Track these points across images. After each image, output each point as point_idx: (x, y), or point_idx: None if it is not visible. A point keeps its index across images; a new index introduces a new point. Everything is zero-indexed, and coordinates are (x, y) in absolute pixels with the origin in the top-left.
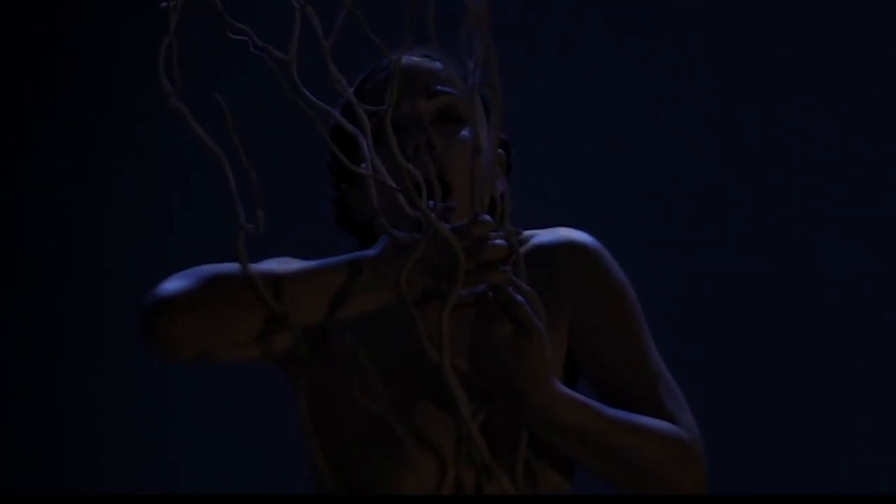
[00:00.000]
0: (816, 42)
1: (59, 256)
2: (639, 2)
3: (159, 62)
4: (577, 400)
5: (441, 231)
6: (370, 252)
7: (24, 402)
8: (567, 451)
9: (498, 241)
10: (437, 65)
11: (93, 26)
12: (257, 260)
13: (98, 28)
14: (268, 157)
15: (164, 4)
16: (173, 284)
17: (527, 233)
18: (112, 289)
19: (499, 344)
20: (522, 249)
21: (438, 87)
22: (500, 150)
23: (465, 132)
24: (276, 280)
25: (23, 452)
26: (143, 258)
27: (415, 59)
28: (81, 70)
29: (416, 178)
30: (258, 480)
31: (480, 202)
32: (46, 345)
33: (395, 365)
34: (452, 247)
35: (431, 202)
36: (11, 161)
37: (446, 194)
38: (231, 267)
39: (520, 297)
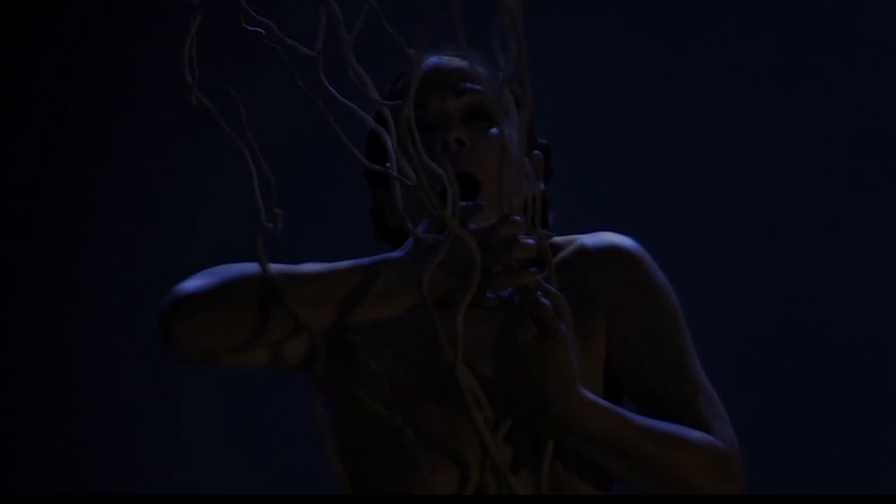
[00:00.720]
0: None
1: (67, 255)
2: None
3: (182, 58)
4: (604, 407)
5: (454, 228)
6: (395, 254)
7: (25, 403)
8: (597, 460)
9: (527, 241)
10: (467, 62)
11: (107, 24)
12: (279, 260)
13: (112, 25)
14: (291, 155)
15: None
16: (192, 283)
17: (569, 237)
18: (121, 287)
19: (522, 348)
20: (564, 253)
21: (468, 85)
22: (536, 152)
23: (495, 129)
24: (296, 280)
25: (22, 452)
26: (155, 255)
27: (444, 56)
28: (96, 68)
29: (440, 176)
30: (258, 480)
31: (509, 201)
32: (52, 345)
33: (419, 370)
34: (469, 245)
35: (462, 202)
36: (24, 159)
37: (476, 192)
38: (251, 266)
39: (546, 301)
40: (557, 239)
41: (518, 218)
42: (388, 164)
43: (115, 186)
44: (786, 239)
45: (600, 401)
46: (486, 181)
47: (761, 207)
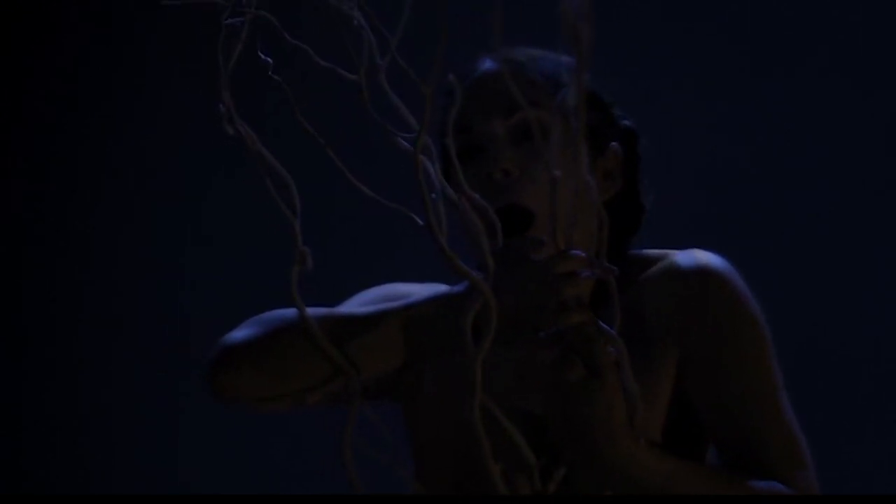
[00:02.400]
0: None
1: (69, 259)
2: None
3: (219, 84)
4: (656, 456)
5: (465, 274)
6: (443, 292)
7: (23, 403)
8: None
9: (583, 276)
10: (521, 71)
11: (113, 31)
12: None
13: (120, 37)
14: (323, 179)
15: (225, 21)
16: (237, 334)
17: (661, 252)
18: (122, 293)
19: (567, 390)
20: (651, 271)
21: (518, 101)
22: (613, 145)
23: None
24: (341, 326)
25: (21, 452)
26: (158, 261)
27: (492, 68)
28: (107, 76)
29: (487, 210)
30: (258, 480)
31: (563, 234)
32: (53, 346)
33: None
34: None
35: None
36: (26, 165)
37: (529, 224)
38: (296, 313)
39: (596, 337)
40: (649, 252)
41: (578, 252)
42: (433, 195)
43: (118, 187)
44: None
45: (653, 448)
46: (540, 211)
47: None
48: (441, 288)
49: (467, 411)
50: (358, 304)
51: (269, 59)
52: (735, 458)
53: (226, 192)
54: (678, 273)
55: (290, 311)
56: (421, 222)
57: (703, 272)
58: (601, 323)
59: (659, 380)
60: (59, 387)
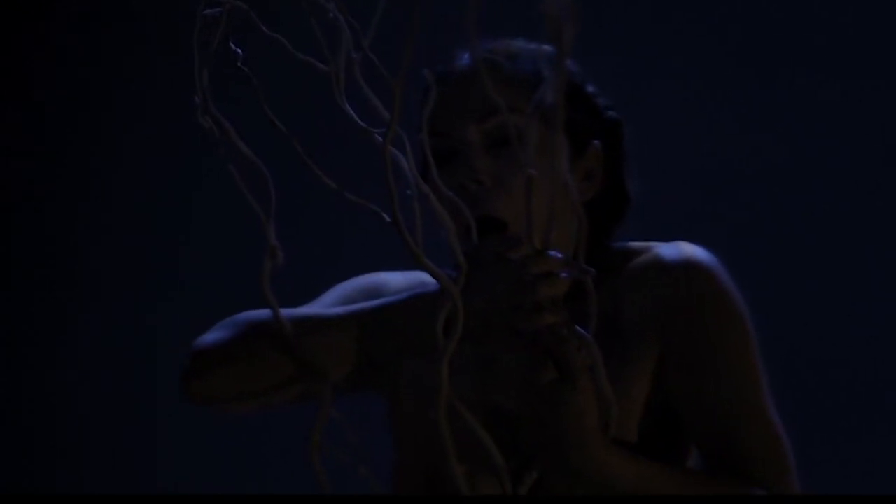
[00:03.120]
0: None
1: (57, 256)
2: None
3: (196, 79)
4: (627, 461)
5: (433, 273)
6: (417, 293)
7: (19, 402)
8: None
9: (559, 278)
10: (498, 71)
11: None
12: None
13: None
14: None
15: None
16: (207, 339)
17: (646, 245)
18: (106, 291)
19: (538, 391)
20: (635, 263)
21: (492, 105)
22: (595, 142)
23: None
24: (311, 328)
25: (18, 452)
26: (143, 262)
27: (469, 67)
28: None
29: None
30: (258, 480)
31: (540, 237)
32: (43, 345)
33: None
34: (455, 292)
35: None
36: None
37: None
38: (267, 315)
39: (568, 339)
40: (634, 245)
41: (554, 253)
42: (408, 191)
43: (110, 185)
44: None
45: (625, 452)
46: (515, 220)
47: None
48: (420, 278)
49: (434, 411)
50: (336, 297)
51: (238, 51)
52: (715, 461)
53: (214, 192)
54: (660, 266)
55: (261, 313)
56: (388, 219)
57: (686, 265)
58: (576, 325)
59: (636, 380)
60: (43, 387)
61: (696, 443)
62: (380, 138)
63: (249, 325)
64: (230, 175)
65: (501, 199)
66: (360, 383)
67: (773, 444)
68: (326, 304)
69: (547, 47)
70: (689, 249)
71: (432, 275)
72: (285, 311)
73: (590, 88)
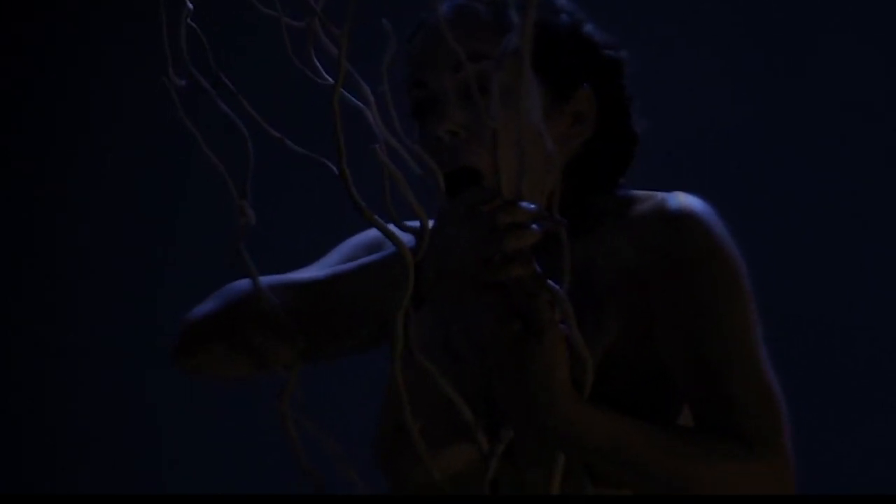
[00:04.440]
0: None
1: (48, 251)
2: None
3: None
4: (601, 417)
5: (383, 230)
6: (380, 255)
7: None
8: (605, 472)
9: (529, 230)
10: (474, 18)
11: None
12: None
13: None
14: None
15: None
16: (197, 312)
17: (650, 193)
18: (99, 281)
19: (503, 348)
20: (636, 210)
21: (468, 52)
22: (585, 86)
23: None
24: (297, 291)
25: (18, 451)
26: (133, 253)
27: (447, 13)
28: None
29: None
30: (258, 479)
31: (511, 188)
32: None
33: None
34: (405, 251)
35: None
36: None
37: (477, 185)
38: (250, 284)
39: (537, 292)
40: (637, 194)
41: (526, 205)
42: (377, 145)
43: (96, 183)
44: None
45: (598, 410)
46: (491, 171)
47: None
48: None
49: (393, 370)
50: (340, 256)
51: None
52: (706, 420)
53: (201, 181)
54: (651, 217)
55: (246, 282)
56: (336, 170)
57: (676, 217)
58: (550, 278)
59: (616, 336)
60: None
61: (688, 402)
62: (357, 101)
63: (236, 294)
64: (193, 136)
65: (475, 149)
66: (370, 341)
67: (766, 403)
68: (331, 263)
69: None
70: (681, 201)
71: (381, 230)
72: (269, 278)
73: (587, 28)
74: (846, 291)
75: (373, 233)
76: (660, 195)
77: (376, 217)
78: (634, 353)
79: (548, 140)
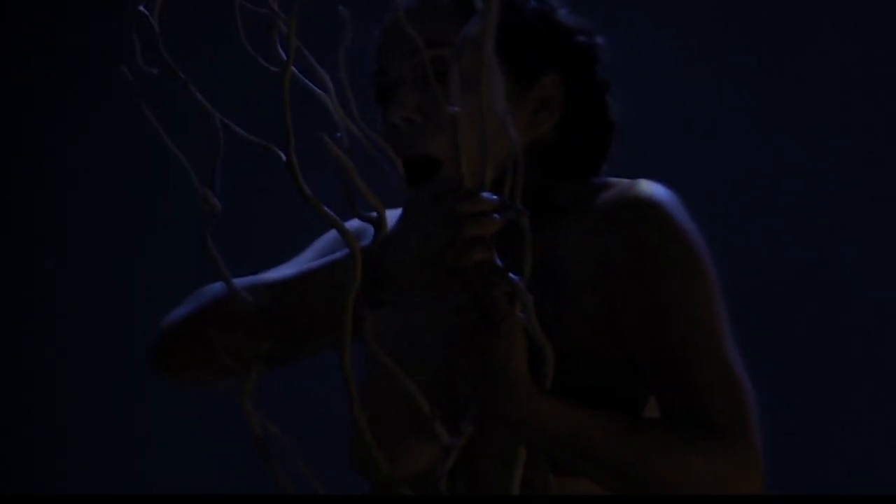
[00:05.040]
0: None
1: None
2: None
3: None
4: (559, 408)
5: (330, 220)
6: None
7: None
8: (568, 464)
9: (489, 218)
10: (436, 4)
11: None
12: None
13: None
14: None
15: None
16: (175, 314)
17: (615, 181)
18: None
19: (461, 338)
20: (600, 199)
21: (425, 38)
22: (552, 74)
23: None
24: (268, 291)
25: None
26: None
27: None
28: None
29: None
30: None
31: (468, 176)
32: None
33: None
34: (352, 242)
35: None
36: None
37: (435, 173)
38: (222, 287)
39: (496, 281)
40: (609, 181)
41: (487, 195)
42: (339, 135)
43: (69, 174)
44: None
45: (558, 401)
46: (448, 158)
47: None
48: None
49: (342, 364)
50: (316, 251)
51: None
52: (672, 411)
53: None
54: (610, 204)
55: (219, 284)
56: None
57: (634, 203)
58: (513, 267)
59: (579, 326)
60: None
61: (653, 391)
62: (315, 87)
63: (207, 297)
64: (149, 121)
65: (431, 136)
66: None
67: (732, 391)
68: (306, 259)
69: None
70: (642, 188)
71: (330, 222)
72: (246, 278)
73: (560, 13)
74: (833, 283)
75: (352, 225)
76: (625, 182)
77: (325, 208)
78: (599, 343)
79: (510, 127)
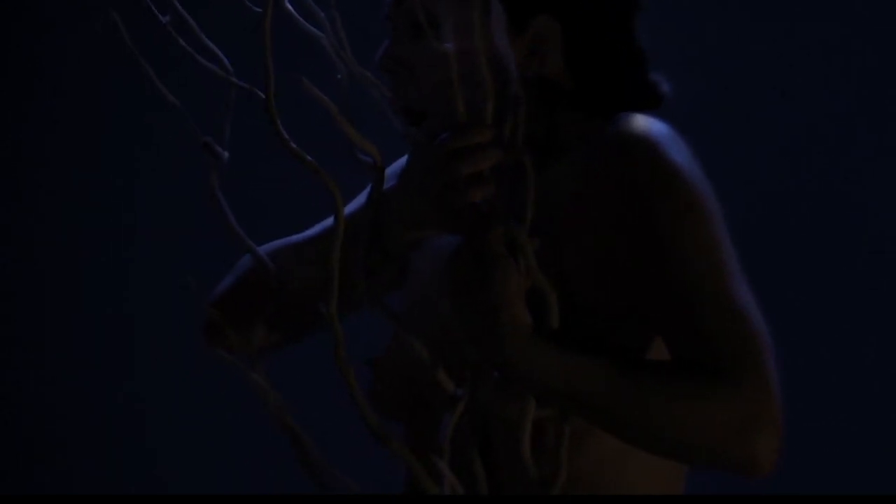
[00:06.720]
0: None
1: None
2: None
3: None
4: (564, 357)
5: (308, 165)
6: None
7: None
8: (569, 412)
9: (488, 150)
10: None
11: None
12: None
13: None
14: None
15: None
16: (218, 288)
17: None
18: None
19: (455, 282)
20: (595, 138)
21: None
22: (542, 22)
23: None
24: (294, 253)
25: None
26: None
27: None
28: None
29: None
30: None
31: (462, 114)
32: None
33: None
34: (331, 184)
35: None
36: None
37: (418, 124)
38: (258, 253)
39: (491, 222)
40: (618, 116)
41: (485, 129)
42: (339, 76)
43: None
44: None
45: (555, 346)
46: (434, 109)
47: None
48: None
49: (330, 319)
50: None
51: None
52: (679, 351)
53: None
54: (602, 143)
55: (248, 257)
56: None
57: (624, 140)
58: (512, 208)
59: (577, 270)
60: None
61: (664, 340)
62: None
63: (245, 268)
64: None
65: (414, 88)
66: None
67: (742, 331)
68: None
69: None
70: (632, 124)
71: (310, 168)
72: (268, 245)
73: None
74: (812, 272)
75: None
76: (621, 119)
77: (305, 154)
78: (602, 291)
79: (511, 63)
